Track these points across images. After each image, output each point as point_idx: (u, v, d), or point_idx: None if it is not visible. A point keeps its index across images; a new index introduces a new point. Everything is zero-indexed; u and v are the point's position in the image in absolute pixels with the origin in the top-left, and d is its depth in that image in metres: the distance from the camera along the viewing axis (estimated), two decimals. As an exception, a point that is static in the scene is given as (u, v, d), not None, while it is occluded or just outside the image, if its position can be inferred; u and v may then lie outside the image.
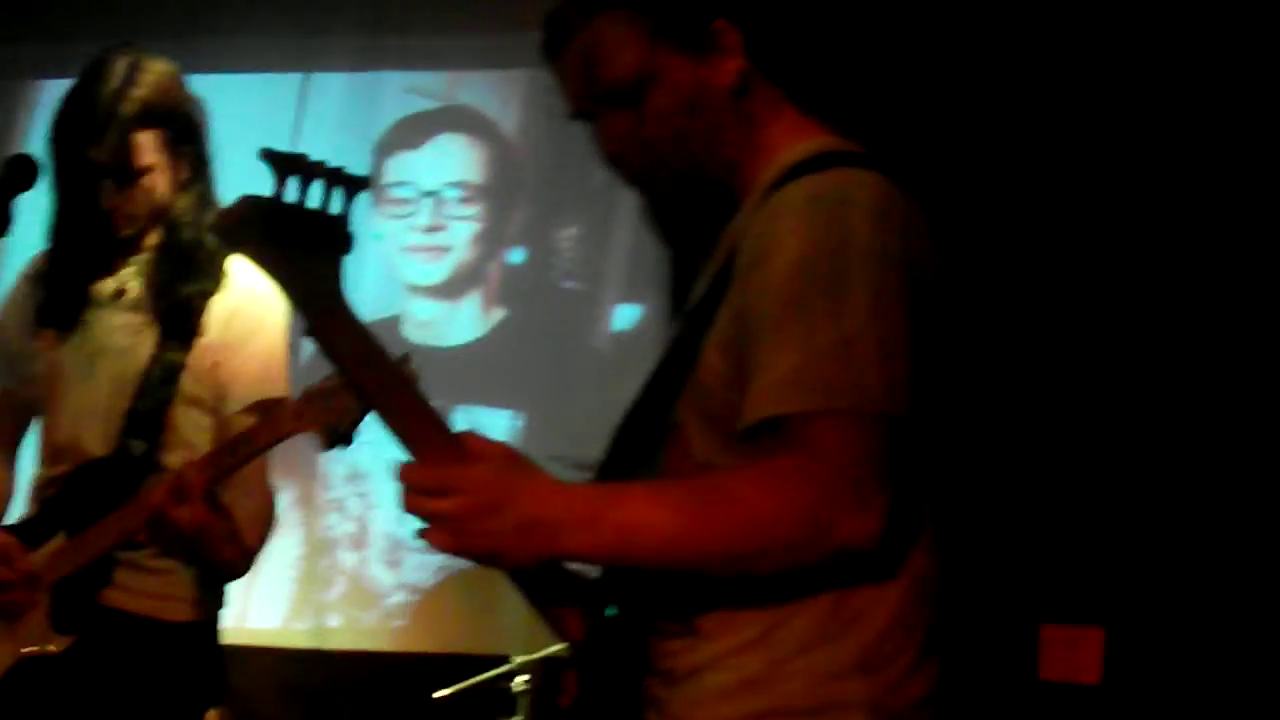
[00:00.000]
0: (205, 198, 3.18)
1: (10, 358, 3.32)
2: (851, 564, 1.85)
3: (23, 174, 2.96)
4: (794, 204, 1.91)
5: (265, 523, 3.17)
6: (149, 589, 3.13)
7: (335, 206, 1.89)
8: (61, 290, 3.21)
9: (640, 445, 2.03)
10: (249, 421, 3.01)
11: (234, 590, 3.27)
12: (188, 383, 3.12)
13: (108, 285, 3.21)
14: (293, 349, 3.25)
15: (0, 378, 3.36)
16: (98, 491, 3.07)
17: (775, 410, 1.82)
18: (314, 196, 1.87)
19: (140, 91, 3.08)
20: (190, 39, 5.45)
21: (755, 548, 1.80)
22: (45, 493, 3.23)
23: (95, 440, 3.15)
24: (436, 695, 4.73)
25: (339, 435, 2.75)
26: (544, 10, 2.13)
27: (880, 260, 1.85)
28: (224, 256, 3.15)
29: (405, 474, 1.84)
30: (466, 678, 4.73)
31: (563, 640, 2.08)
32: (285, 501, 3.69)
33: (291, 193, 1.85)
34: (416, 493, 1.83)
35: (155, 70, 3.13)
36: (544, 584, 2.03)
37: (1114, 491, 4.82)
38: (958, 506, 2.10)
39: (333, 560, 5.61)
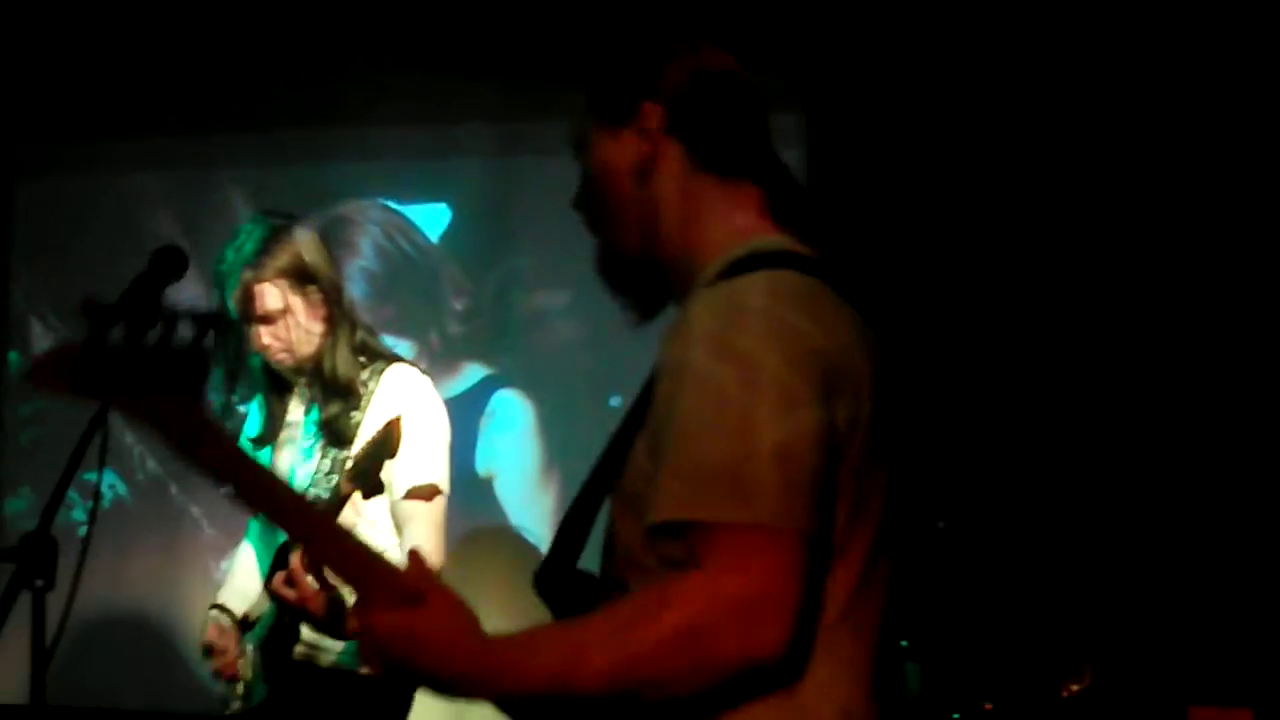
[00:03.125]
0: (342, 331, 3.79)
1: None
2: (762, 683, 1.85)
3: (170, 265, 3.06)
4: (693, 314, 1.93)
5: None
6: (325, 643, 3.70)
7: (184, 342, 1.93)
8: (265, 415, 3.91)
9: (575, 542, 2.11)
10: (412, 506, 3.70)
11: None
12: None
13: (291, 406, 3.89)
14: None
15: None
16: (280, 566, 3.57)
17: (674, 515, 1.84)
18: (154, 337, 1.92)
19: (266, 258, 3.72)
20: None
21: (647, 674, 1.81)
22: None
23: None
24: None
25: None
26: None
27: (774, 375, 1.84)
28: (370, 381, 3.79)
29: (356, 616, 1.94)
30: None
31: None
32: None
33: (125, 337, 1.90)
34: (364, 636, 1.92)
35: (281, 238, 3.76)
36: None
37: (1263, 573, 4.77)
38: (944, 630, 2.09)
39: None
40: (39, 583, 2.69)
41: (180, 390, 1.92)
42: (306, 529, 2.06)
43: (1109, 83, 5.16)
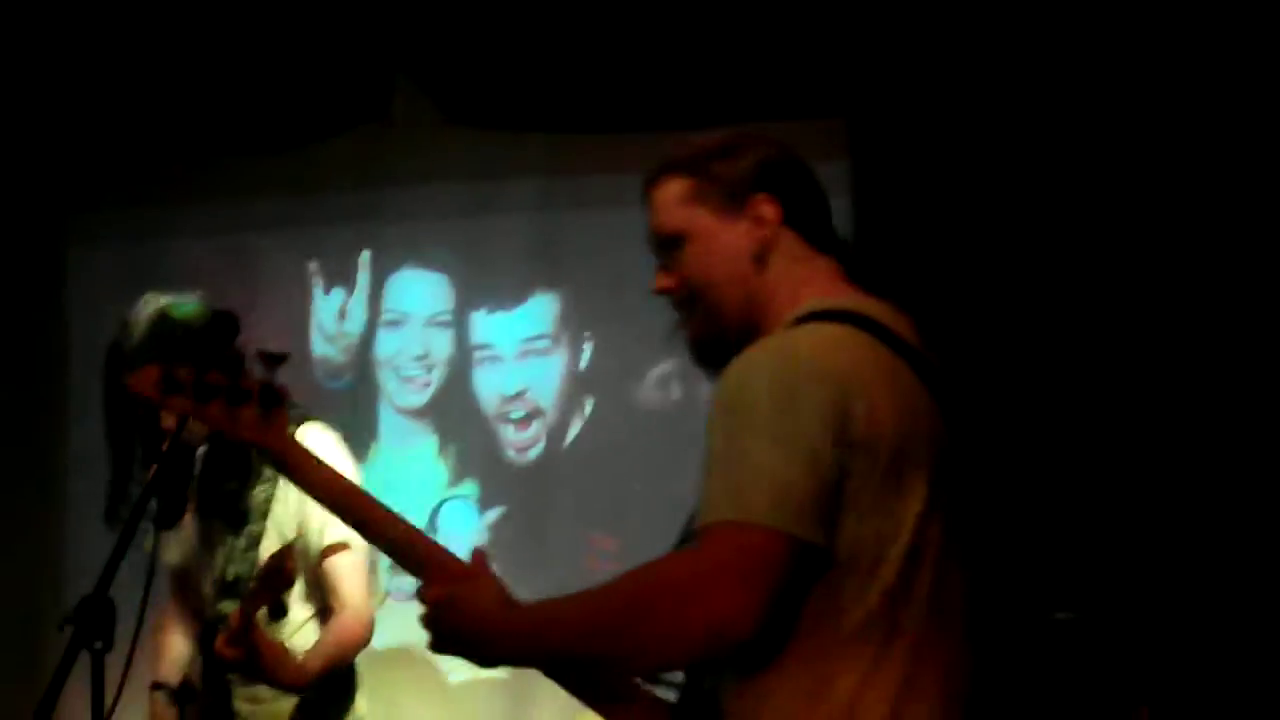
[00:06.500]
0: None
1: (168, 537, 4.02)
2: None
3: (224, 329, 3.17)
4: (728, 368, 2.21)
5: (330, 653, 3.78)
6: (258, 715, 3.85)
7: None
8: (163, 500, 3.69)
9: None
10: (329, 563, 3.81)
11: None
12: (269, 548, 3.73)
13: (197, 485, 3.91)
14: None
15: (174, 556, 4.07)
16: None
17: (689, 532, 2.17)
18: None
19: (155, 340, 3.69)
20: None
21: (631, 624, 2.09)
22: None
23: (205, 601, 3.92)
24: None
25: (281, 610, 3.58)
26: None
27: (779, 414, 2.11)
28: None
29: (419, 594, 2.33)
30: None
31: None
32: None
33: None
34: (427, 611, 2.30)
35: (176, 310, 3.73)
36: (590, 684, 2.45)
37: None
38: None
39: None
40: (98, 645, 2.72)
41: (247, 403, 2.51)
42: (367, 520, 2.56)
43: (1162, 120, 5.17)
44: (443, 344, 6.11)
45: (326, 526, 3.78)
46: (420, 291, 6.14)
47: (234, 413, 2.51)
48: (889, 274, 2.53)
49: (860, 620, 2.13)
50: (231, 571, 3.80)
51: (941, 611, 2.19)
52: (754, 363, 2.19)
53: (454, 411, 6.09)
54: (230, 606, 3.64)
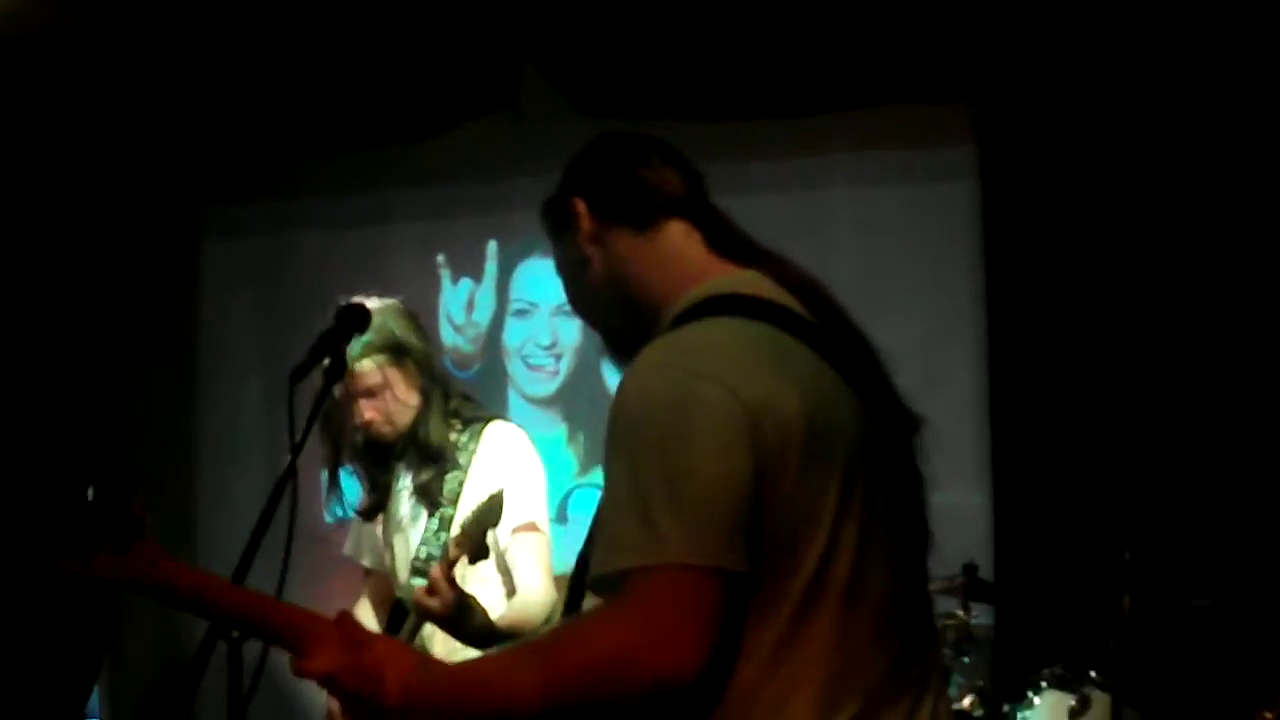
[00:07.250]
0: (435, 399, 4.07)
1: (364, 541, 4.37)
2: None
3: (354, 321, 3.23)
4: (617, 388, 2.13)
5: (512, 619, 3.83)
6: None
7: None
8: (368, 488, 4.21)
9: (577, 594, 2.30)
10: (514, 542, 3.97)
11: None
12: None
13: (395, 477, 4.15)
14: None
15: (368, 559, 4.38)
16: (397, 622, 3.83)
17: (597, 571, 2.06)
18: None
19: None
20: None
21: (576, 686, 2.01)
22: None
23: (398, 585, 4.14)
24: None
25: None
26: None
27: (676, 440, 2.02)
28: (470, 442, 4.07)
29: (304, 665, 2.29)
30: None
31: None
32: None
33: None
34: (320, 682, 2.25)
35: (374, 312, 3.71)
36: None
37: None
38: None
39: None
40: (234, 633, 2.76)
41: (112, 539, 2.46)
42: (240, 608, 2.46)
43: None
44: (571, 333, 6.15)
45: (514, 509, 3.88)
46: (548, 281, 6.14)
47: (88, 560, 2.46)
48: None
49: (777, 637, 2.05)
50: (424, 552, 4.01)
51: (859, 606, 2.09)
52: (642, 383, 2.10)
53: (583, 400, 6.12)
54: (422, 583, 3.72)
